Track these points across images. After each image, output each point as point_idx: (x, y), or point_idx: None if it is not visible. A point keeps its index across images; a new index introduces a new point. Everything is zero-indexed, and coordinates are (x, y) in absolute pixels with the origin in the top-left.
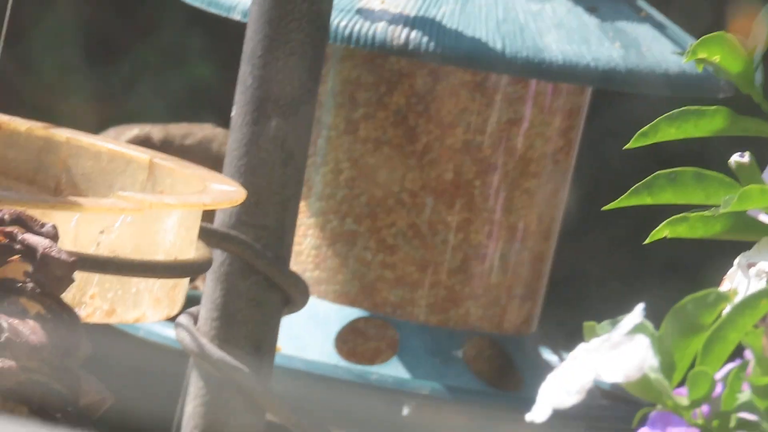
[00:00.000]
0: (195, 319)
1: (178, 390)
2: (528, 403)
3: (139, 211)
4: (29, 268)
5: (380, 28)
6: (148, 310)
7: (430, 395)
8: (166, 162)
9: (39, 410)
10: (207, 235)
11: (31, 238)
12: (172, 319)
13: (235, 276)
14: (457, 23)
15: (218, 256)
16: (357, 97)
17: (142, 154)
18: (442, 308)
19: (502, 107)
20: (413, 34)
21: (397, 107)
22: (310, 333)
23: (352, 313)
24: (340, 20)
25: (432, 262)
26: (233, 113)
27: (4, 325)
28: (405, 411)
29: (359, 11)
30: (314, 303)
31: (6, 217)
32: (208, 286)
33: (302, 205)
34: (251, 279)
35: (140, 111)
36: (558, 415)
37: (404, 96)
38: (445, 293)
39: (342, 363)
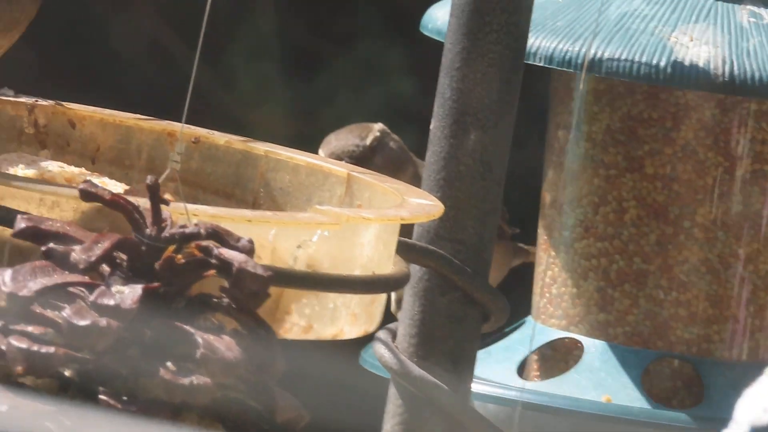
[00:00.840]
0: (393, 335)
1: (377, 407)
2: None
3: (337, 225)
4: (225, 283)
5: (702, 65)
6: (345, 326)
7: None
8: (364, 176)
9: (234, 427)
10: (405, 249)
11: (227, 253)
12: (370, 336)
13: (434, 292)
14: None
15: (416, 271)
16: (640, 134)
17: (340, 168)
18: (738, 342)
19: None
20: (735, 69)
21: (684, 142)
22: (613, 379)
23: (648, 354)
24: (653, 58)
25: (725, 297)
26: (432, 126)
27: (200, 341)
28: None
29: (671, 49)
30: (605, 348)
31: (202, 231)
32: (407, 302)
33: (578, 246)
34: (450, 295)
35: (338, 125)
36: None
37: (692, 130)
38: (739, 327)
39: (659, 408)
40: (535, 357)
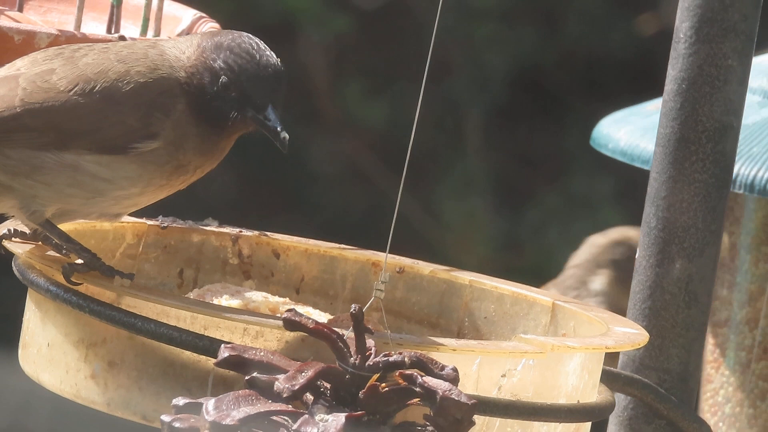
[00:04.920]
0: None
1: None
2: None
3: (542, 354)
4: (429, 411)
5: None
6: None
7: None
8: (568, 305)
9: None
10: (610, 378)
11: (431, 381)
12: None
13: (639, 420)
14: None
15: (621, 400)
16: None
17: (545, 297)
18: None
19: None
20: None
21: None
22: None
23: None
24: None
25: None
26: (637, 255)
27: None
28: None
29: None
30: None
31: (406, 359)
32: (611, 430)
33: (756, 367)
34: (655, 423)
35: (545, 257)
36: None
37: None
38: None
39: None
40: None
